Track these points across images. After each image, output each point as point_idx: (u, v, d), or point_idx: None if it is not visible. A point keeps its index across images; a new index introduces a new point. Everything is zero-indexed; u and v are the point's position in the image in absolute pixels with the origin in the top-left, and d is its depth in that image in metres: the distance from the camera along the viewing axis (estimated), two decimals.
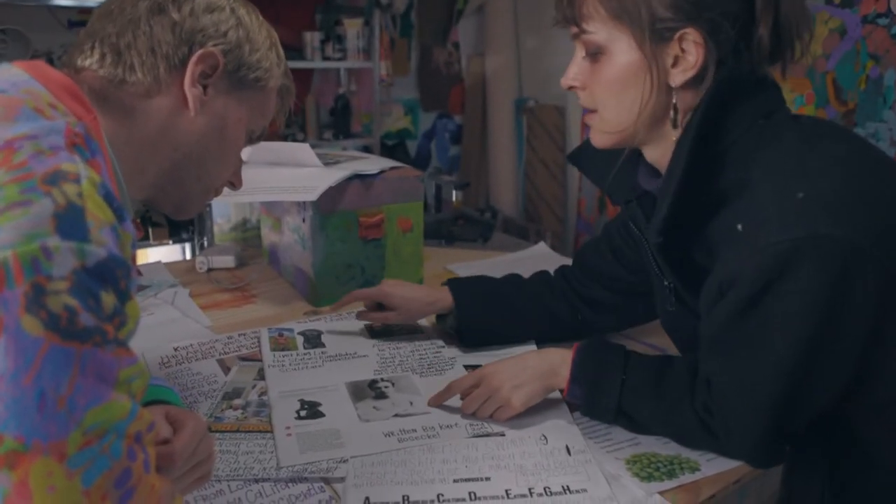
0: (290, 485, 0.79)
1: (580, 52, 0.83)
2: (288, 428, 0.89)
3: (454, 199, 2.80)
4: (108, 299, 0.50)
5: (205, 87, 0.71)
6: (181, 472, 0.64)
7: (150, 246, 2.92)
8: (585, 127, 0.89)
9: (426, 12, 3.75)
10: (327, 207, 1.27)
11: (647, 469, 0.83)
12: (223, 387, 1.00)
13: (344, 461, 0.83)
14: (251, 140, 0.81)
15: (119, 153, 0.67)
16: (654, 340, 1.16)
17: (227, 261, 1.52)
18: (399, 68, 3.74)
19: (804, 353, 0.73)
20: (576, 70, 0.84)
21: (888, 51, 2.11)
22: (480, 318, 1.13)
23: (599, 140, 0.87)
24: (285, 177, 1.31)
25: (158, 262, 1.61)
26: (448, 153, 4.00)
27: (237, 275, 1.49)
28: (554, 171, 3.47)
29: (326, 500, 0.77)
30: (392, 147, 3.79)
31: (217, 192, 0.82)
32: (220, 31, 0.71)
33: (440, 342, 1.16)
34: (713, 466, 0.84)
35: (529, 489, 0.79)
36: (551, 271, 1.19)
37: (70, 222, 0.48)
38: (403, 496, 0.77)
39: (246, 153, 0.86)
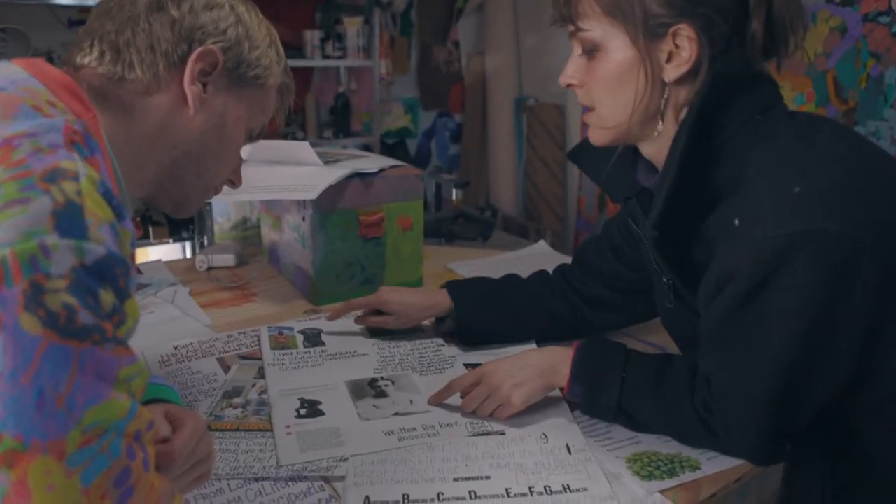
0: (289, 483, 0.79)
1: (577, 50, 0.83)
2: (288, 426, 0.89)
3: (454, 197, 2.79)
4: (107, 297, 0.49)
5: (204, 85, 0.71)
6: (181, 470, 0.64)
7: (150, 244, 2.93)
8: (585, 125, 0.90)
9: (426, 11, 3.75)
10: (327, 206, 1.27)
11: (647, 468, 0.83)
12: (223, 385, 1.00)
13: (344, 460, 0.83)
14: (251, 138, 0.81)
15: (118, 151, 0.67)
16: (654, 339, 1.16)
17: (227, 259, 1.52)
18: (399, 67, 3.74)
19: (801, 349, 0.73)
20: (573, 68, 0.84)
21: (889, 49, 2.11)
22: (480, 319, 1.13)
23: (597, 137, 0.87)
24: (285, 175, 1.31)
25: (158, 261, 1.61)
26: (448, 152, 4.00)
27: (237, 273, 1.48)
28: (554, 170, 3.47)
29: (326, 498, 0.77)
30: (392, 145, 3.79)
31: (217, 191, 0.82)
32: (219, 28, 0.71)
33: (440, 341, 1.16)
34: (714, 465, 0.83)
35: (530, 488, 0.79)
36: (550, 271, 1.19)
37: (69, 220, 0.48)
38: (403, 495, 0.77)
39: (246, 151, 0.86)
